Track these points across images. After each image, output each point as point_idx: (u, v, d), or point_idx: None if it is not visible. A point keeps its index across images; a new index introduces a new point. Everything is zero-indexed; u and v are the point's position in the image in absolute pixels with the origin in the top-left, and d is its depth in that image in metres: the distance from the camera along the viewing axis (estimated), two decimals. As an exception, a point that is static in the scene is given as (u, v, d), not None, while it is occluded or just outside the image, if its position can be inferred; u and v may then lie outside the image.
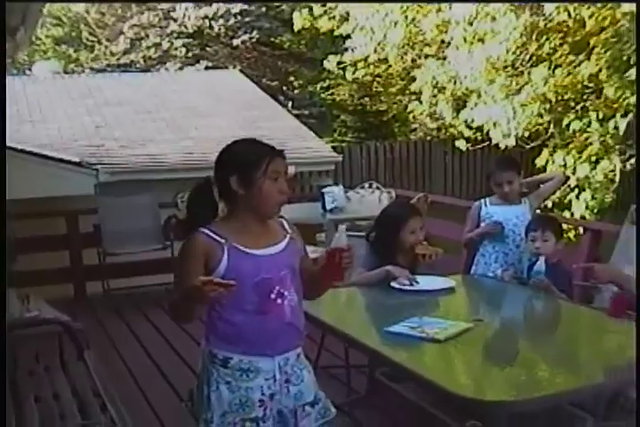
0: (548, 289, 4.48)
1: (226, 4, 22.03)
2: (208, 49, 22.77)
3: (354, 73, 15.22)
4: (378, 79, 18.65)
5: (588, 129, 10.68)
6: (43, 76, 16.35)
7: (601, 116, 10.54)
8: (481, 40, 11.23)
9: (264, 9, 22.34)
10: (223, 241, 2.86)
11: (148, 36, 22.56)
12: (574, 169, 10.67)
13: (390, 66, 15.71)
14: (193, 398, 3.04)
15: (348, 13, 14.16)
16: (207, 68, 21.53)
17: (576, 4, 10.35)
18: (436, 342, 3.39)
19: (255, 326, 2.89)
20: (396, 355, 3.42)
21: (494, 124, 11.20)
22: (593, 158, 10.64)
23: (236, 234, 2.89)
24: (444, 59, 12.26)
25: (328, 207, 7.37)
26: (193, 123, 12.85)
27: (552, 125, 11.59)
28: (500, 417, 2.82)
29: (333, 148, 14.66)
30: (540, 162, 11.22)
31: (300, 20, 15.17)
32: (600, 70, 10.41)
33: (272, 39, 22.77)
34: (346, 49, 14.32)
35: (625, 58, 10.04)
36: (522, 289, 4.72)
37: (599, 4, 10.30)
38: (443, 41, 12.67)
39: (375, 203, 7.37)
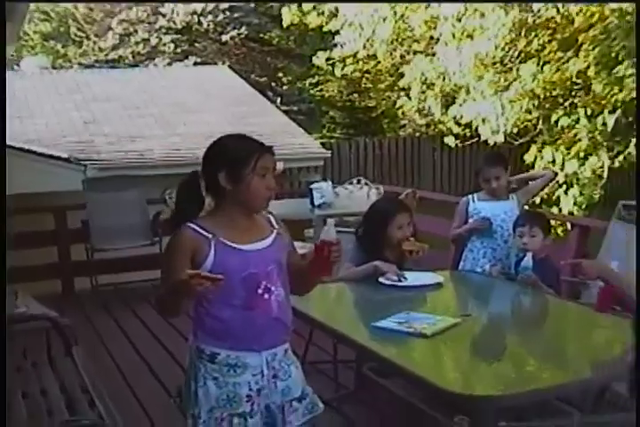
0: (536, 285, 4.49)
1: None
2: (197, 45, 22.71)
3: (343, 69, 15.24)
4: (367, 75, 18.66)
5: (577, 125, 10.71)
6: (31, 71, 16.29)
7: (589, 113, 10.57)
8: (470, 36, 11.26)
9: (253, 5, 22.29)
10: (210, 236, 2.85)
11: (136, 31, 22.49)
12: (563, 165, 10.70)
13: (379, 62, 15.73)
14: (181, 393, 3.03)
15: (336, 9, 14.18)
16: (196, 63, 21.47)
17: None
18: (423, 337, 3.39)
19: (242, 322, 2.89)
20: (384, 350, 3.42)
21: (483, 121, 11.23)
22: (581, 155, 10.68)
23: (223, 229, 2.89)
24: (433, 55, 12.27)
25: (316, 203, 7.36)
26: (181, 119, 12.84)
27: (540, 122, 11.62)
28: (488, 412, 2.82)
29: (322, 144, 14.66)
30: (528, 158, 11.24)
31: (288, 15, 15.17)
32: (588, 67, 10.45)
33: (261, 35, 22.73)
34: (335, 45, 14.32)
35: (613, 54, 10.08)
36: (509, 285, 4.72)
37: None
38: (432, 37, 12.69)
39: (363, 199, 7.36)
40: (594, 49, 10.36)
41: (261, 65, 23.03)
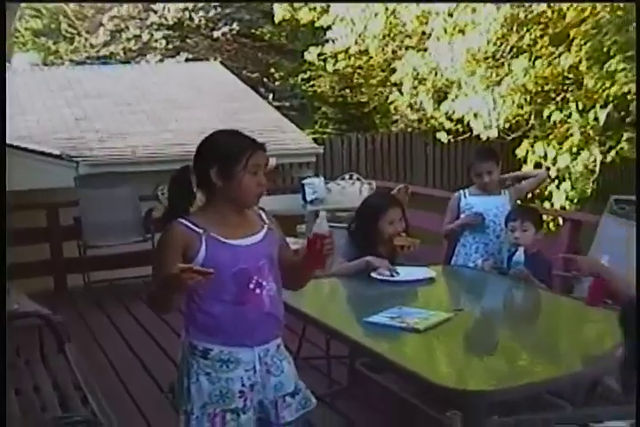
0: (528, 279, 4.50)
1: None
2: (188, 41, 22.66)
3: (335, 64, 15.24)
4: (359, 71, 18.64)
5: (569, 120, 10.73)
6: (22, 68, 16.24)
7: (581, 107, 10.58)
8: (461, 31, 11.26)
9: (244, 0, 22.28)
10: (201, 231, 2.85)
11: (127, 27, 22.42)
12: (555, 160, 10.71)
13: (371, 57, 15.72)
14: (173, 390, 3.03)
15: (328, 5, 14.15)
16: (187, 60, 21.43)
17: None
18: (416, 332, 3.40)
19: (234, 317, 2.89)
20: (376, 346, 3.42)
21: (475, 116, 11.23)
22: (574, 149, 10.69)
23: (214, 224, 2.89)
24: (425, 50, 12.27)
25: (308, 199, 7.36)
26: (173, 115, 12.80)
27: (533, 117, 11.63)
28: (481, 406, 2.82)
29: (314, 139, 14.63)
30: (520, 153, 11.26)
31: (280, 11, 15.16)
32: (580, 61, 10.46)
33: (252, 31, 22.68)
34: (327, 40, 14.31)
35: (605, 49, 10.09)
36: (502, 279, 4.73)
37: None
38: (423, 32, 12.69)
39: (356, 194, 7.36)
40: (585, 44, 10.37)
41: (253, 61, 22.99)
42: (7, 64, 18.88)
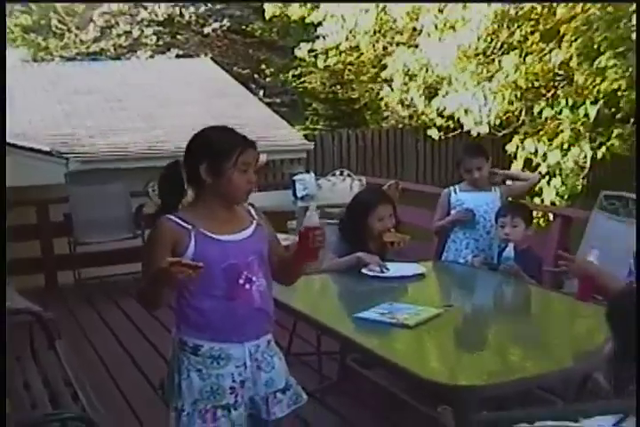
0: (518, 275, 4.51)
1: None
2: (179, 37, 22.63)
3: (325, 61, 15.20)
4: (349, 67, 18.64)
5: (559, 116, 10.73)
6: (11, 64, 16.20)
7: (571, 104, 10.59)
8: (452, 28, 11.25)
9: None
10: (190, 227, 2.86)
11: (118, 23, 22.38)
12: (545, 156, 10.72)
13: (362, 54, 15.70)
14: (164, 386, 3.04)
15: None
16: (178, 56, 21.41)
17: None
18: (406, 327, 3.40)
19: (224, 312, 2.90)
20: (367, 341, 3.43)
21: (465, 112, 11.23)
22: (564, 145, 10.70)
23: (203, 220, 2.89)
24: (416, 46, 12.26)
25: (299, 195, 7.36)
26: (164, 111, 12.79)
27: (523, 113, 11.65)
28: (472, 402, 2.83)
29: (305, 136, 14.66)
30: (510, 148, 11.26)
31: (270, 7, 15.13)
32: (570, 58, 10.46)
33: (243, 27, 22.66)
34: (317, 37, 14.28)
35: (595, 46, 10.10)
36: (492, 275, 4.74)
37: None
38: (414, 29, 12.67)
39: (346, 190, 7.38)
40: (576, 40, 10.37)
41: (244, 57, 22.97)
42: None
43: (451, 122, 12.66)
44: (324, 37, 13.79)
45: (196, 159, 2.89)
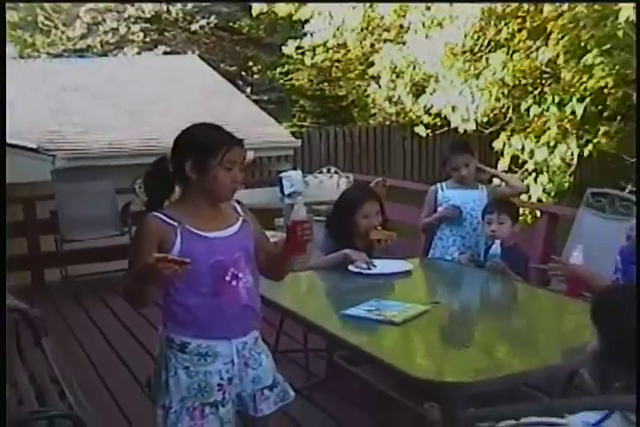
0: (504, 272, 4.52)
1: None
2: (166, 34, 22.57)
3: (313, 58, 15.20)
4: (337, 64, 18.64)
5: (546, 113, 10.76)
6: (-3, 61, 16.12)
7: (558, 101, 10.62)
8: (439, 25, 11.25)
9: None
10: (176, 224, 2.85)
11: (105, 20, 22.29)
12: (532, 153, 10.75)
13: (349, 51, 15.70)
14: (151, 384, 3.03)
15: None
16: (165, 53, 21.36)
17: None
18: (393, 324, 3.41)
19: (211, 309, 2.90)
20: (354, 338, 3.43)
21: (453, 109, 11.24)
22: (551, 143, 10.72)
23: (190, 217, 2.89)
24: (403, 44, 12.26)
25: (286, 192, 7.36)
26: (150, 108, 12.76)
27: (510, 110, 11.66)
28: (459, 398, 2.84)
29: (292, 133, 14.66)
30: (497, 145, 11.27)
31: (258, 4, 15.10)
32: (557, 55, 10.48)
33: (231, 24, 22.63)
34: (305, 34, 14.27)
35: (582, 43, 10.13)
36: (478, 272, 4.75)
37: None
38: (401, 26, 12.68)
39: (333, 188, 7.38)
40: (563, 38, 10.39)
41: (231, 54, 22.94)
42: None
43: (438, 119, 12.66)
44: (311, 34, 13.77)
45: (181, 156, 2.89)
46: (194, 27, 22.24)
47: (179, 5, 21.98)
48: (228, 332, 2.94)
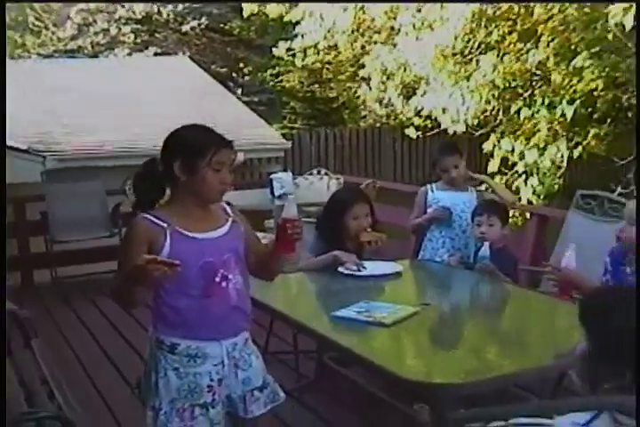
0: (494, 273, 4.53)
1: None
2: (157, 35, 22.55)
3: (303, 60, 15.17)
4: (328, 66, 18.61)
5: (536, 115, 10.78)
6: (-12, 61, 16.08)
7: (548, 103, 10.65)
8: (430, 27, 11.26)
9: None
10: (165, 225, 2.85)
11: (95, 21, 22.25)
12: (522, 155, 10.76)
13: (340, 52, 15.69)
14: (141, 385, 3.03)
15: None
16: (156, 54, 21.33)
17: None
18: (382, 326, 3.41)
19: (201, 310, 2.90)
20: (344, 340, 3.43)
21: (443, 111, 11.25)
22: (541, 145, 10.74)
23: (179, 218, 2.89)
24: (394, 46, 12.27)
25: (276, 193, 7.36)
26: (141, 109, 12.75)
27: (501, 112, 11.68)
28: (448, 400, 2.85)
29: (283, 134, 14.66)
30: (487, 147, 11.29)
31: (248, 5, 15.09)
32: (548, 58, 10.51)
33: (221, 25, 22.61)
34: (295, 35, 14.26)
35: (572, 46, 10.16)
36: (468, 274, 4.76)
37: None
38: (392, 28, 12.69)
39: (323, 189, 7.38)
40: (553, 40, 10.42)
41: (222, 55, 22.92)
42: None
43: (428, 121, 12.67)
44: (302, 36, 13.75)
45: (170, 156, 2.89)
46: (184, 28, 22.22)
47: (169, 6, 21.95)
48: (218, 333, 2.94)
